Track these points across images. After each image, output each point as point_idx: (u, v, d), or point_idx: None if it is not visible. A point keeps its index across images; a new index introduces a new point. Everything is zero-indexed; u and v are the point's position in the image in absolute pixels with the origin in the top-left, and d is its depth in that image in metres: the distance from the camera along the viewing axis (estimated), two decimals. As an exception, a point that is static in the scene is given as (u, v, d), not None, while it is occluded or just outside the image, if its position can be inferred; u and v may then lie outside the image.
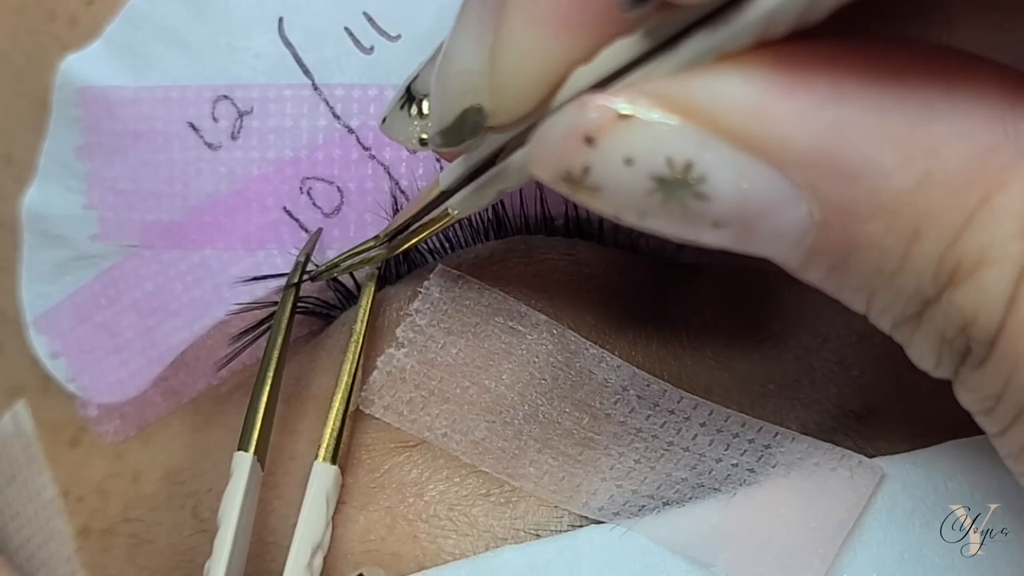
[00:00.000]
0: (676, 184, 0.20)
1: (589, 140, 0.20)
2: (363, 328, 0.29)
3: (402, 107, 0.25)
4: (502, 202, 0.29)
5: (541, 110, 0.22)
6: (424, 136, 0.25)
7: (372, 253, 0.28)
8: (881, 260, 0.20)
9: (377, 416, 0.28)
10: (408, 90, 0.25)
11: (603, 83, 0.21)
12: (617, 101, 0.20)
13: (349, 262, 0.29)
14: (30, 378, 0.32)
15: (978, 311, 0.20)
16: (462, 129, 0.23)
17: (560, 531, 0.27)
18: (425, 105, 0.25)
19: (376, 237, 0.28)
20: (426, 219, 0.27)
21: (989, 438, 0.22)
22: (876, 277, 0.21)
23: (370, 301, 0.29)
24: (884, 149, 0.20)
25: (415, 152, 0.29)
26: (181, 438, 0.31)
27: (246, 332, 0.30)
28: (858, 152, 0.20)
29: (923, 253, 0.20)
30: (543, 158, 0.21)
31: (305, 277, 0.29)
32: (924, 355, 0.22)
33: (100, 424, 0.31)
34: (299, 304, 0.29)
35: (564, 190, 0.21)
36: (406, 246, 0.28)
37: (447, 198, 0.26)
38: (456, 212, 0.26)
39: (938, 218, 0.20)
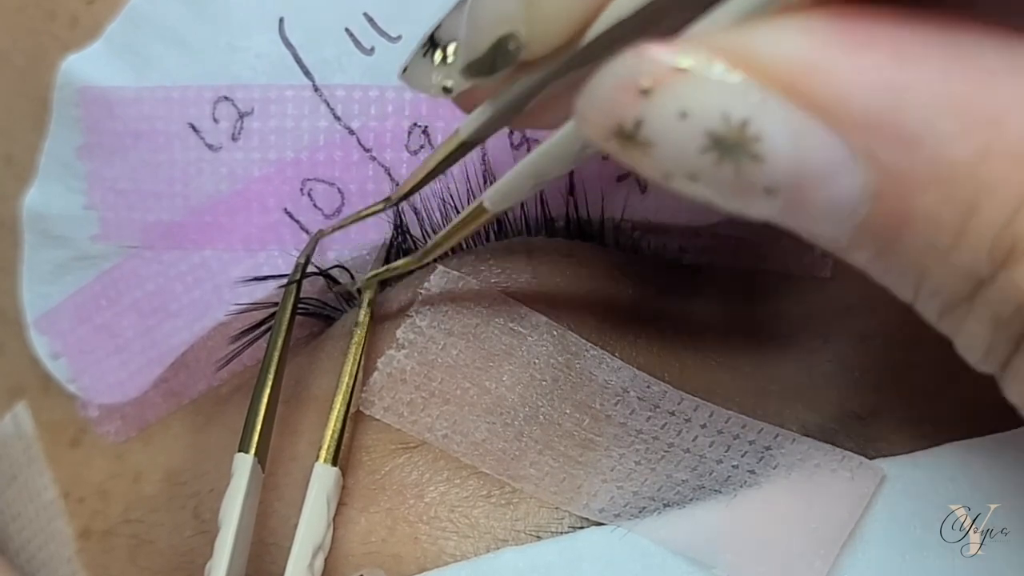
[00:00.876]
0: (731, 144, 0.19)
1: (644, 92, 0.19)
2: (364, 331, 0.28)
3: (424, 54, 0.25)
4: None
5: (576, 41, 0.21)
6: (448, 83, 0.24)
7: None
8: (936, 234, 0.20)
9: (377, 417, 0.28)
10: (431, 38, 0.25)
11: (641, 13, 0.21)
12: (674, 52, 0.19)
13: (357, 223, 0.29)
14: (30, 378, 0.32)
15: None
16: (495, 60, 0.22)
17: (561, 532, 0.27)
18: (451, 49, 0.24)
19: (387, 199, 0.28)
20: (460, 217, 0.26)
21: None
22: (929, 254, 0.20)
23: (371, 303, 0.29)
24: (945, 116, 0.19)
25: (416, 153, 0.29)
26: (182, 439, 0.31)
27: (246, 332, 0.30)
28: (919, 117, 0.19)
29: (980, 228, 0.19)
30: (594, 112, 0.20)
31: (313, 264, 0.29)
32: (974, 342, 0.21)
33: (101, 425, 0.31)
34: (299, 305, 0.29)
35: (614, 147, 0.20)
36: (439, 251, 0.28)
37: (468, 149, 0.26)
38: (490, 206, 0.25)
39: (997, 192, 0.19)
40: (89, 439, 0.31)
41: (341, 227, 0.29)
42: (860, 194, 0.20)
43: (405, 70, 0.25)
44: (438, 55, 0.25)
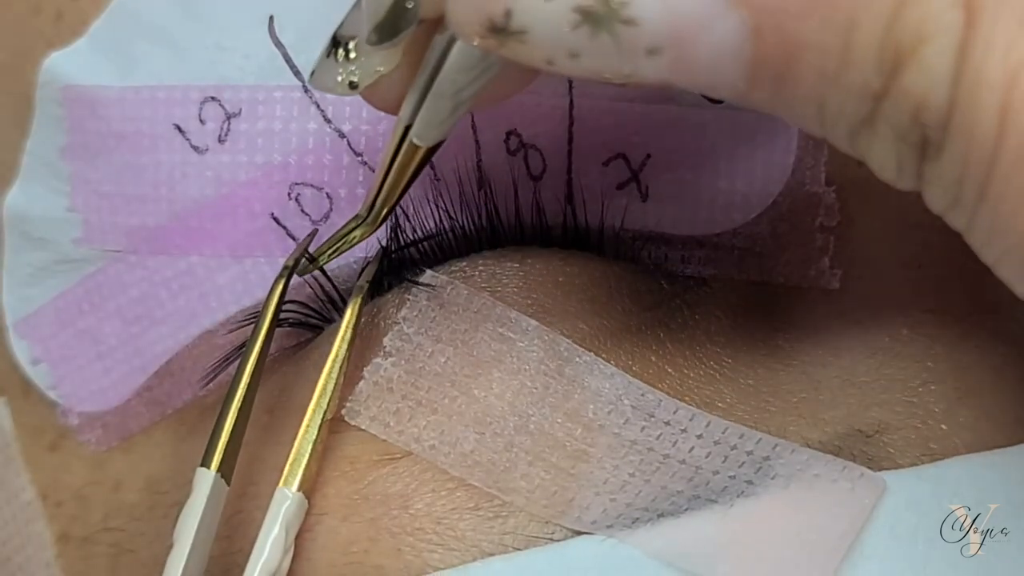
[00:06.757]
0: (601, 14, 0.20)
1: None
2: (343, 346, 0.27)
3: (329, 55, 0.25)
4: (497, 212, 0.28)
5: None
6: (354, 79, 0.24)
7: (358, 233, 0.27)
8: (823, 60, 0.20)
9: (363, 428, 0.27)
10: (334, 38, 0.25)
11: None
12: None
13: (336, 247, 0.28)
14: (10, 381, 0.31)
15: (926, 93, 0.19)
16: (396, 21, 0.22)
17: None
18: (352, 45, 0.24)
19: (356, 216, 0.27)
20: (396, 163, 0.26)
21: (965, 239, 0.21)
22: (821, 81, 0.20)
23: (355, 317, 0.28)
24: None
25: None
26: (164, 447, 0.30)
27: (234, 349, 0.29)
28: None
29: (862, 43, 0.19)
30: (463, 13, 0.21)
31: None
32: (885, 162, 0.21)
33: (82, 433, 0.30)
34: (288, 313, 0.29)
35: (492, 44, 0.21)
36: (391, 203, 0.27)
37: (431, 153, 0.25)
38: (419, 140, 0.25)
39: (871, 2, 0.19)
40: (68, 444, 0.31)
41: (321, 255, 0.28)
42: (740, 35, 0.20)
43: (312, 75, 0.25)
44: (341, 52, 0.25)
